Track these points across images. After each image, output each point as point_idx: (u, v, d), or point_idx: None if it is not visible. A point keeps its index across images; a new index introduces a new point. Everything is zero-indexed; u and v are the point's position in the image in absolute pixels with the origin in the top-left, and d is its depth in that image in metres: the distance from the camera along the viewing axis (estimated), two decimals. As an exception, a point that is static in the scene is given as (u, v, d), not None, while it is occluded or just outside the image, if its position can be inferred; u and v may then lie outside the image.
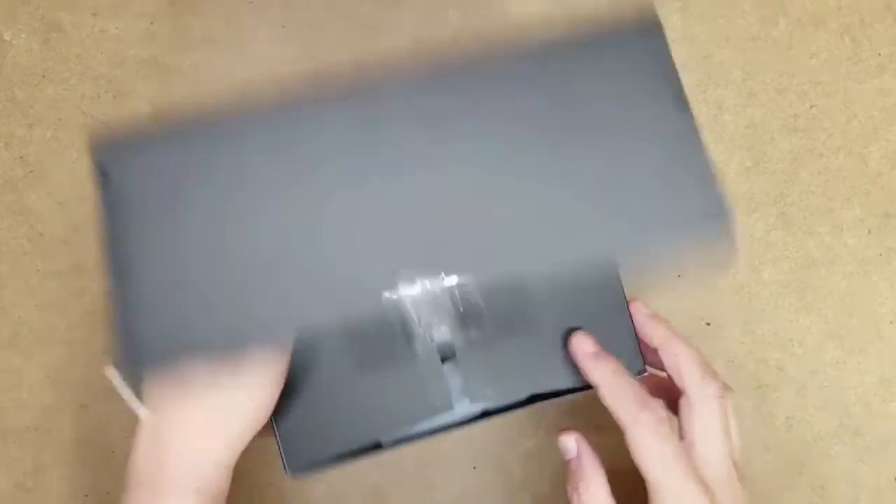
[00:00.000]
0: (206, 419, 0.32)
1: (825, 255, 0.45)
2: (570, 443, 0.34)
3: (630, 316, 0.36)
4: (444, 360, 0.37)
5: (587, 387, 0.35)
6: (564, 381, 0.36)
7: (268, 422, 0.34)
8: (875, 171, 0.45)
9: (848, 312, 0.45)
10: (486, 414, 0.37)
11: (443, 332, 0.37)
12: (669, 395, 0.35)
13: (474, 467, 0.43)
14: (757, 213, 0.45)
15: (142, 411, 0.32)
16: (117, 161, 0.31)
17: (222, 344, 0.29)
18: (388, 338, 0.36)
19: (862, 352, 0.45)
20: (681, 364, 0.34)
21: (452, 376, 0.36)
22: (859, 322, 0.45)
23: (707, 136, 0.45)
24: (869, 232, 0.45)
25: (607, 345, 0.35)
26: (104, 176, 0.30)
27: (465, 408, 0.37)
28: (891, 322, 0.45)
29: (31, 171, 0.44)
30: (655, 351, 0.35)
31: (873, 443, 0.44)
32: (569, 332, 0.36)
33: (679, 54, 0.45)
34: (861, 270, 0.45)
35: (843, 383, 0.45)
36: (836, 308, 0.45)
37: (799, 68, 0.45)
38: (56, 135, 0.44)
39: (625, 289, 0.36)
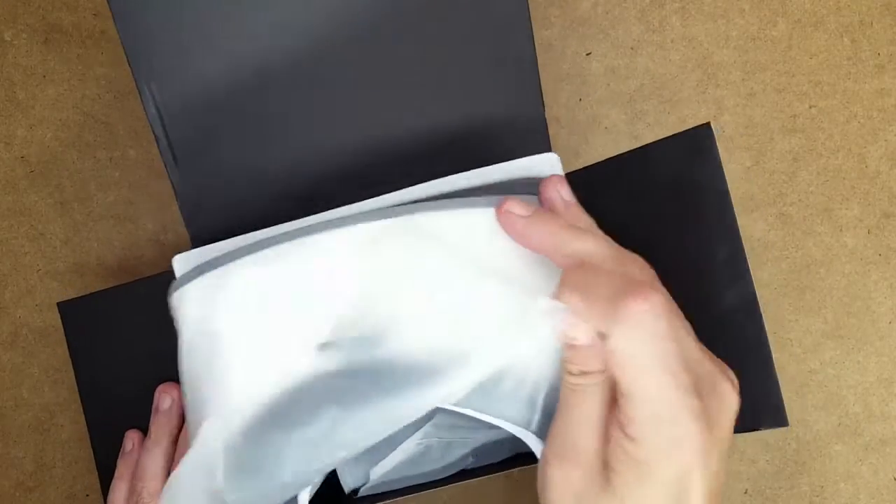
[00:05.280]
0: None
1: (824, 255, 0.45)
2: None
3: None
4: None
5: None
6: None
7: None
8: (874, 171, 0.45)
9: (847, 312, 0.45)
10: (463, 473, 0.35)
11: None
12: None
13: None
14: (756, 213, 0.45)
15: None
16: None
17: None
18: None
19: (861, 352, 0.45)
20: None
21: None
22: (858, 322, 0.45)
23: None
24: (868, 232, 0.45)
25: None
26: None
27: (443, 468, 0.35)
28: (890, 322, 0.45)
29: (31, 172, 0.44)
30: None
31: (873, 442, 0.44)
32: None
33: (679, 54, 0.45)
34: (860, 270, 0.45)
35: (842, 383, 0.45)
36: (835, 308, 0.45)
37: (798, 68, 0.45)
38: (57, 135, 0.44)
39: None
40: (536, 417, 0.30)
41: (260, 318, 0.29)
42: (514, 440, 0.35)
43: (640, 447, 0.25)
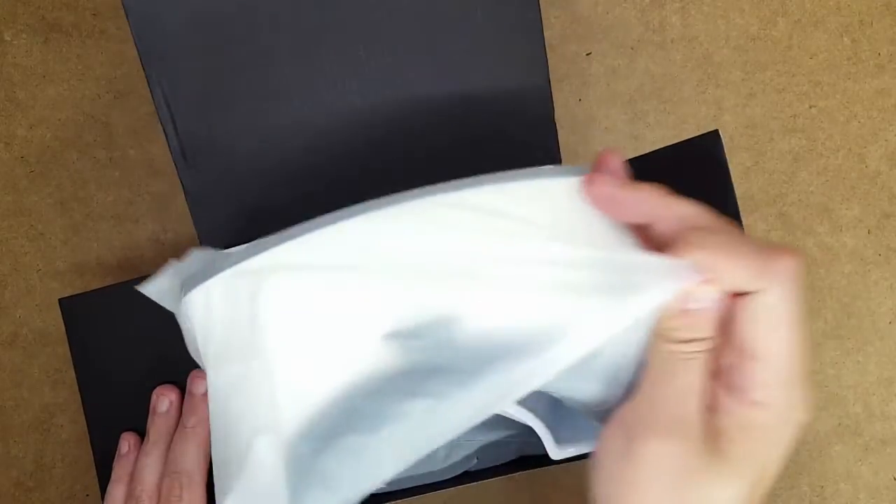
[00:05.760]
0: None
1: (824, 255, 0.45)
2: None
3: None
4: None
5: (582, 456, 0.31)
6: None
7: None
8: (874, 171, 0.45)
9: (847, 312, 0.45)
10: (466, 475, 0.35)
11: None
12: None
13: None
14: (756, 213, 0.45)
15: None
16: None
17: None
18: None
19: (861, 352, 0.45)
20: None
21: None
22: (858, 322, 0.45)
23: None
24: (868, 232, 0.45)
25: None
26: None
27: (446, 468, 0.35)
28: (890, 322, 0.45)
29: (31, 172, 0.44)
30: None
31: (872, 442, 0.44)
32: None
33: (679, 54, 0.45)
34: (860, 270, 0.45)
35: (842, 383, 0.45)
36: (835, 308, 0.45)
37: (798, 68, 0.45)
38: (57, 135, 0.44)
39: None
40: (617, 392, 0.27)
41: (310, 314, 0.24)
42: (519, 442, 0.35)
43: (763, 411, 0.25)
